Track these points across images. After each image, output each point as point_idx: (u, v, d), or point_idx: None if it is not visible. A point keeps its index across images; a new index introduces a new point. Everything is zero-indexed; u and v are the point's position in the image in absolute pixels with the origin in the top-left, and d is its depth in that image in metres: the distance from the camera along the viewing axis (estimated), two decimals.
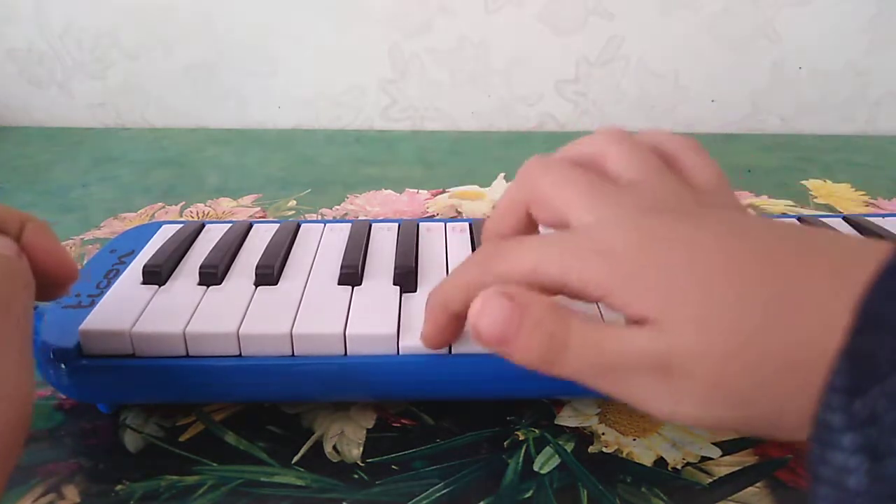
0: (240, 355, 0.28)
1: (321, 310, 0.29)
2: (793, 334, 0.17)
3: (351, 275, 0.31)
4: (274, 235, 0.35)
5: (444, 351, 0.28)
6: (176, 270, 0.33)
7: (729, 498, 0.27)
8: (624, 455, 0.29)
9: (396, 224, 0.37)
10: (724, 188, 0.25)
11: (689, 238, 0.19)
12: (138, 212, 0.53)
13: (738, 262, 0.18)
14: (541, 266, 0.21)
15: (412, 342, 0.28)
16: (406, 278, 0.31)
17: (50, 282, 0.24)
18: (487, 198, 0.55)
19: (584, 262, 0.20)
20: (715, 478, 0.28)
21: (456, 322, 0.26)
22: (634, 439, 0.29)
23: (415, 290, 0.31)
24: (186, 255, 0.34)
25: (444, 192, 0.57)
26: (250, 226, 0.37)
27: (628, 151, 0.25)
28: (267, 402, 0.32)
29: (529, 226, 0.26)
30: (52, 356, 0.28)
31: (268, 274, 0.31)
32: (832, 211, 0.53)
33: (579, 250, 0.21)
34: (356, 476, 0.28)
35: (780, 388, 0.17)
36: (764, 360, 0.17)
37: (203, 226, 0.37)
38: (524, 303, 0.21)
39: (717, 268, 0.18)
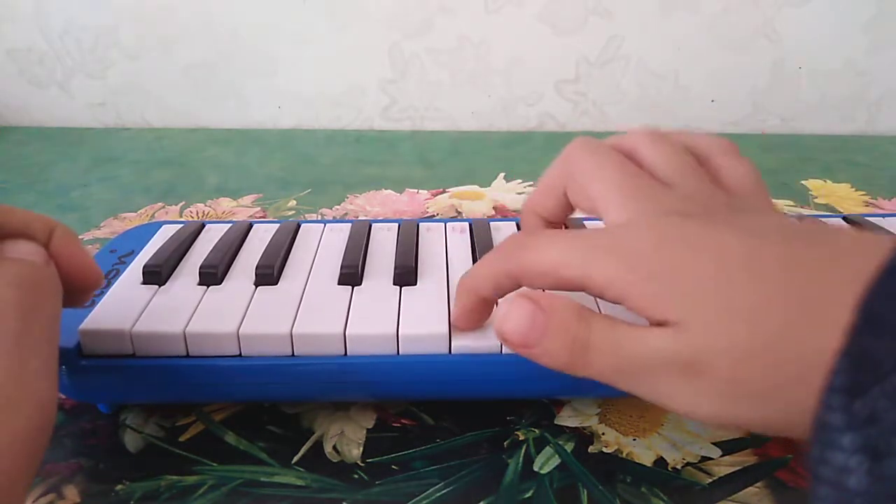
0: (240, 355, 0.28)
1: (321, 310, 0.29)
2: (812, 337, 0.17)
3: (351, 275, 0.31)
4: (274, 235, 0.35)
5: (444, 351, 0.28)
6: (176, 270, 0.33)
7: (729, 498, 0.27)
8: (624, 455, 0.29)
9: (396, 224, 0.37)
10: (759, 191, 0.24)
11: (717, 243, 0.19)
12: (138, 212, 0.53)
13: (763, 267, 0.18)
14: (564, 263, 0.21)
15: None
16: (406, 278, 0.31)
17: (76, 288, 0.25)
18: (487, 198, 0.55)
19: (604, 264, 0.21)
20: (715, 478, 0.28)
21: (484, 306, 0.27)
22: (634, 439, 0.29)
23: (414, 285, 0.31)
24: (186, 255, 0.34)
25: (444, 192, 0.57)
26: (250, 226, 0.37)
27: (665, 151, 0.25)
28: (267, 402, 0.32)
29: (567, 206, 0.27)
30: None
31: (268, 274, 0.31)
32: (832, 211, 0.53)
33: (603, 250, 0.21)
34: (356, 476, 0.28)
35: (798, 389, 0.17)
36: (784, 361, 0.17)
37: (203, 226, 0.37)
38: (548, 307, 0.21)
39: (741, 272, 0.18)
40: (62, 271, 0.24)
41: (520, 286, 0.24)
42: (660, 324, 0.19)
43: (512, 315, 0.22)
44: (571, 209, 0.27)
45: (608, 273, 0.20)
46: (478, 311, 0.27)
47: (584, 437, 0.30)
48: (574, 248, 0.22)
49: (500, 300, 0.25)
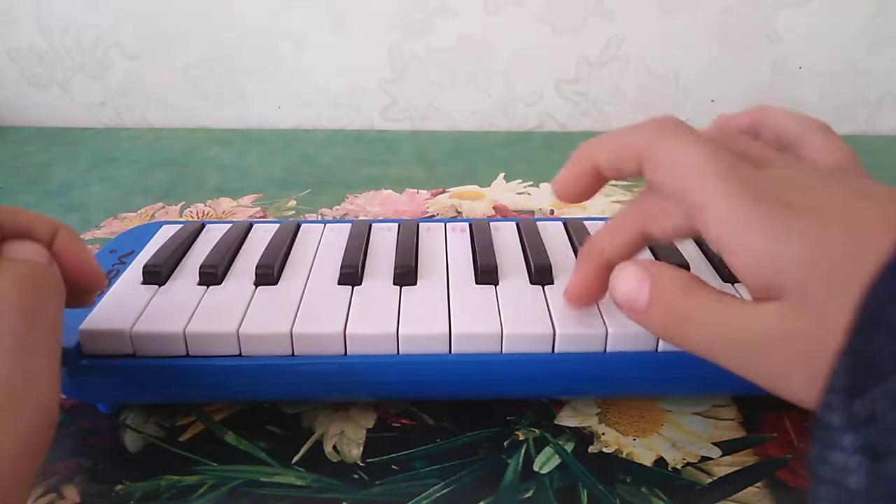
0: (240, 355, 0.28)
1: (321, 309, 0.29)
2: None
3: (351, 275, 0.31)
4: (274, 235, 0.35)
5: (445, 351, 0.28)
6: (176, 270, 0.33)
7: (729, 498, 0.27)
8: (624, 455, 0.29)
9: (396, 224, 0.37)
10: (856, 168, 0.23)
11: (841, 214, 0.18)
12: (138, 212, 0.53)
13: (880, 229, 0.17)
14: (701, 174, 0.20)
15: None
16: (406, 278, 0.31)
17: (78, 288, 0.25)
18: (487, 198, 0.55)
19: (735, 202, 0.19)
20: (715, 478, 0.28)
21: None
22: (634, 439, 0.29)
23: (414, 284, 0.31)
24: (186, 255, 0.34)
25: (444, 192, 0.57)
26: (250, 226, 0.37)
27: (747, 147, 0.23)
28: (267, 402, 0.32)
29: (635, 171, 0.24)
30: None
31: (268, 274, 0.31)
32: None
33: (738, 184, 0.19)
34: (356, 476, 0.28)
35: None
36: None
37: (203, 226, 0.37)
38: (655, 274, 0.21)
39: (873, 242, 0.17)
40: (65, 272, 0.24)
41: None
42: (768, 297, 0.18)
43: (621, 277, 0.22)
44: (638, 174, 0.24)
45: (732, 213, 0.19)
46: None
47: (584, 437, 0.30)
48: (719, 167, 0.20)
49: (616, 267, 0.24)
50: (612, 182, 0.26)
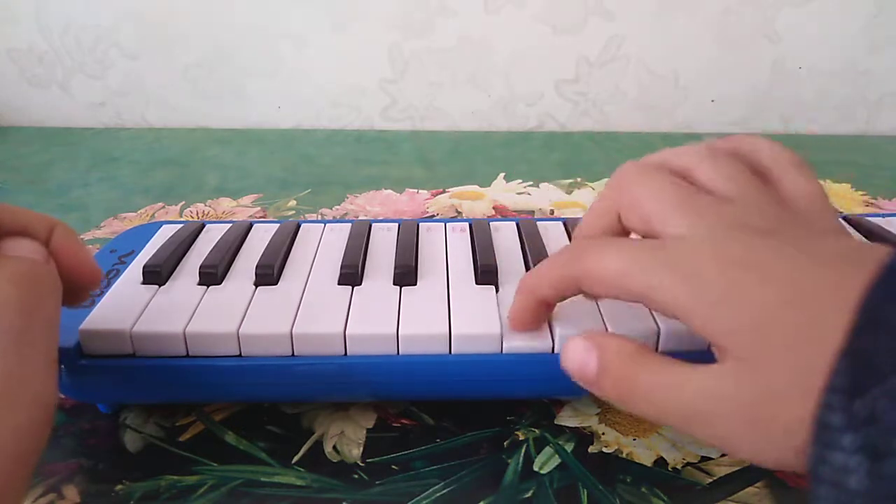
0: (240, 355, 0.28)
1: (321, 310, 0.29)
2: None
3: (351, 275, 0.31)
4: (274, 235, 0.35)
5: (444, 351, 0.28)
6: (176, 270, 0.33)
7: (729, 498, 0.27)
8: (624, 455, 0.29)
9: (396, 224, 0.37)
10: (825, 211, 0.23)
11: (786, 272, 0.18)
12: (138, 212, 0.53)
13: (846, 301, 0.16)
14: (626, 275, 0.21)
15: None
16: (406, 278, 0.31)
17: (75, 286, 0.25)
18: (487, 198, 0.55)
19: (670, 282, 0.20)
20: (715, 478, 0.28)
21: (542, 307, 0.27)
22: (634, 439, 0.29)
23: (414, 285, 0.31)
24: (186, 255, 0.34)
25: (444, 192, 0.57)
26: (250, 226, 0.37)
27: (721, 165, 0.23)
28: (267, 402, 0.32)
29: (621, 232, 0.26)
30: None
31: (268, 274, 0.31)
32: None
33: (666, 267, 0.20)
34: (356, 476, 0.28)
35: None
36: None
37: (203, 226, 0.37)
38: (600, 345, 0.22)
39: (816, 305, 0.17)
40: (62, 269, 0.24)
41: (580, 291, 0.24)
42: (719, 350, 0.19)
43: (570, 349, 0.22)
44: (625, 233, 0.26)
45: (670, 293, 0.20)
46: (535, 312, 0.27)
47: (584, 437, 0.30)
48: (638, 261, 0.21)
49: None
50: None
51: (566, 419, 0.31)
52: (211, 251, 0.33)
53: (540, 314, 0.27)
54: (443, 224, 0.38)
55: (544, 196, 0.56)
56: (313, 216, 0.52)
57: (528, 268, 0.33)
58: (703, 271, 0.19)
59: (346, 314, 0.29)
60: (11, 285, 0.21)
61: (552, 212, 0.53)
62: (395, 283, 0.31)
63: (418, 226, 0.37)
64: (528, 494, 0.27)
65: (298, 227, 0.37)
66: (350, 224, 0.37)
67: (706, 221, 0.22)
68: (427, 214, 0.52)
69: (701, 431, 0.19)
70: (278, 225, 0.37)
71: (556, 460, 0.28)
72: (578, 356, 0.22)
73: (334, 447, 0.29)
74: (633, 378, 0.21)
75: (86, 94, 0.77)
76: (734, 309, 0.18)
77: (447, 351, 0.28)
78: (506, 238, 0.36)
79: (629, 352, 0.21)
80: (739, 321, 0.18)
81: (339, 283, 0.31)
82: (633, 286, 0.21)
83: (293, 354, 0.28)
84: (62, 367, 0.28)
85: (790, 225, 0.22)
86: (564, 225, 0.37)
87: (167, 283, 0.32)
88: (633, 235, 0.26)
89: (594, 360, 0.22)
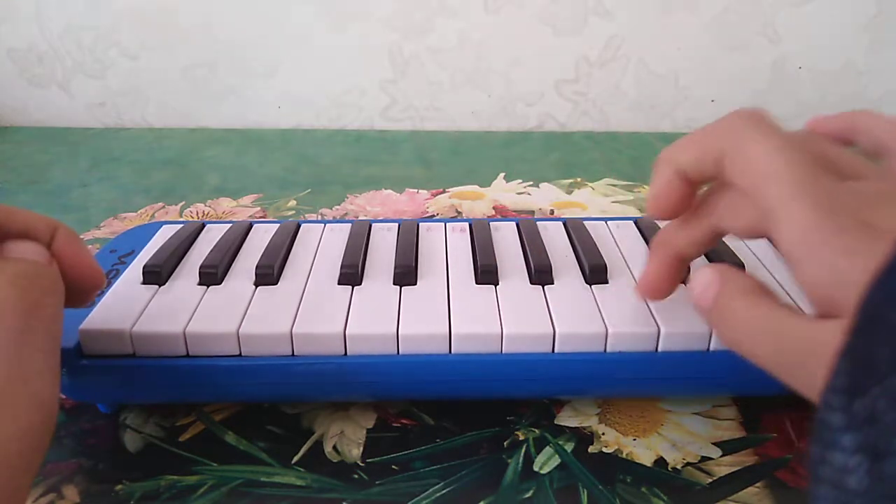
0: (240, 355, 0.28)
1: (321, 310, 0.29)
2: None
3: (351, 275, 0.31)
4: (274, 235, 0.35)
5: (445, 351, 0.28)
6: (176, 270, 0.33)
7: (729, 498, 0.27)
8: (624, 455, 0.29)
9: (396, 224, 0.37)
10: None
11: None
12: (138, 212, 0.53)
13: None
14: (776, 176, 0.20)
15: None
16: (406, 278, 0.31)
17: (78, 288, 0.25)
18: (487, 198, 0.55)
19: (807, 211, 0.18)
20: (715, 478, 0.28)
21: (678, 266, 0.26)
22: (634, 439, 0.29)
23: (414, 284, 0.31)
24: (186, 255, 0.34)
25: (444, 192, 0.57)
26: (250, 226, 0.37)
27: (840, 152, 0.22)
28: (267, 402, 0.32)
29: (716, 172, 0.23)
30: None
31: (268, 274, 0.31)
32: None
33: (814, 197, 0.19)
34: (356, 476, 0.28)
35: None
36: None
37: (203, 226, 0.37)
38: (723, 278, 0.22)
39: None
40: (64, 271, 0.24)
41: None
42: (829, 314, 0.18)
43: (695, 276, 0.23)
44: (718, 175, 0.23)
45: (802, 222, 0.18)
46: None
47: (584, 437, 0.30)
48: (798, 168, 0.19)
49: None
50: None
51: (566, 419, 0.31)
52: (211, 251, 0.33)
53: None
54: (443, 224, 0.38)
55: (544, 196, 0.56)
56: (313, 216, 0.52)
57: (528, 267, 0.33)
58: (846, 219, 0.18)
59: (346, 314, 0.29)
60: (12, 286, 0.21)
61: (552, 212, 0.53)
62: (395, 283, 0.31)
63: (418, 226, 0.37)
64: (528, 494, 0.27)
65: (298, 227, 0.37)
66: (350, 224, 0.37)
67: (827, 202, 0.19)
68: (427, 214, 0.52)
69: (795, 377, 0.19)
70: (278, 225, 0.37)
71: (556, 460, 0.28)
72: (701, 282, 0.22)
73: (334, 447, 0.29)
74: (745, 317, 0.21)
75: (86, 94, 0.77)
76: (861, 266, 0.17)
77: (447, 351, 0.28)
78: (506, 238, 0.36)
79: (746, 288, 0.21)
80: (864, 279, 0.16)
81: (339, 283, 0.31)
82: (777, 195, 0.19)
83: (293, 354, 0.28)
84: (62, 367, 0.28)
85: None
86: (564, 225, 0.37)
87: (167, 283, 0.32)
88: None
89: (713, 291, 0.22)
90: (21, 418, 0.19)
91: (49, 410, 0.20)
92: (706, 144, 0.23)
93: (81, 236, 0.48)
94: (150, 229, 0.37)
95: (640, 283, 0.27)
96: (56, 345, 0.21)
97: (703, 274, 0.23)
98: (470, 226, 0.37)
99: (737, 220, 0.23)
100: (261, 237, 0.36)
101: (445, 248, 0.35)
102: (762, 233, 0.22)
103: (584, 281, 0.32)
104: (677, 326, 0.28)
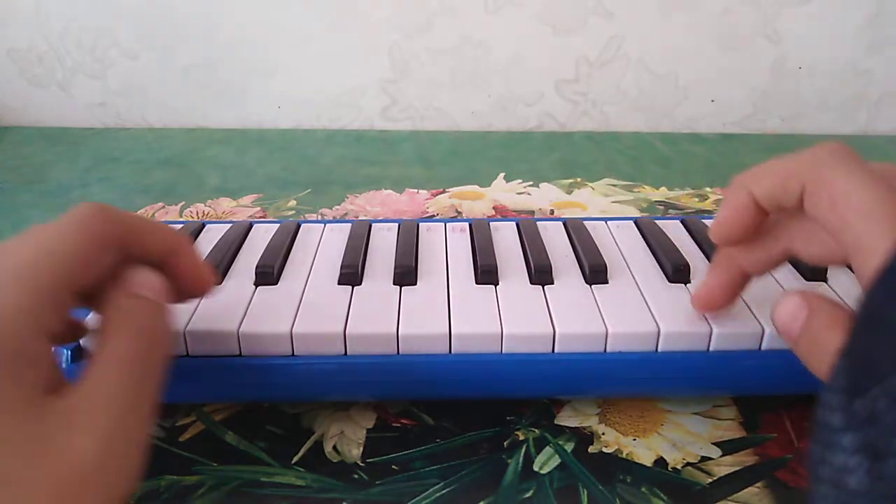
0: (240, 355, 0.28)
1: (321, 309, 0.29)
2: None
3: (351, 275, 0.31)
4: (274, 235, 0.35)
5: (445, 351, 0.28)
6: None
7: (729, 498, 0.27)
8: (624, 455, 0.29)
9: (396, 224, 0.37)
10: None
11: None
12: (138, 212, 0.53)
13: None
14: (866, 212, 0.19)
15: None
16: (406, 278, 0.31)
17: (188, 296, 0.25)
18: (487, 198, 0.55)
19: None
20: (715, 478, 0.28)
21: (740, 282, 0.26)
22: (634, 439, 0.29)
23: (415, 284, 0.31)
24: None
25: (444, 192, 0.57)
26: (250, 226, 0.37)
27: None
28: (267, 402, 0.32)
29: (793, 202, 0.22)
30: None
31: (268, 274, 0.31)
32: None
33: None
34: (356, 476, 0.28)
35: None
36: None
37: (203, 226, 0.37)
38: (812, 307, 0.21)
39: None
40: (179, 287, 0.24)
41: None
42: None
43: (783, 303, 0.22)
44: (795, 207, 0.23)
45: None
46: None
47: (584, 437, 0.30)
48: (888, 205, 0.19)
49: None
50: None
51: (566, 419, 0.31)
52: (211, 251, 0.33)
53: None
54: (443, 224, 0.38)
55: (544, 196, 0.56)
56: (313, 216, 0.52)
57: (528, 267, 0.33)
58: None
59: (346, 314, 0.29)
60: (130, 340, 0.20)
61: (552, 212, 0.53)
62: (395, 283, 0.31)
63: (418, 226, 0.37)
64: (528, 494, 0.27)
65: (298, 227, 0.37)
66: (350, 224, 0.37)
67: None
68: (427, 214, 0.52)
69: None
70: (278, 225, 0.37)
71: (556, 460, 0.28)
72: (789, 310, 0.22)
73: (334, 447, 0.29)
74: (828, 346, 0.20)
75: (86, 94, 0.77)
76: None
77: (447, 351, 0.28)
78: (506, 238, 0.36)
79: (835, 316, 0.21)
80: None
81: (339, 283, 0.31)
82: (867, 232, 0.19)
83: (293, 354, 0.28)
84: (63, 367, 0.28)
85: None
86: (564, 225, 0.37)
87: None
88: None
89: (801, 320, 0.21)
90: (113, 493, 0.18)
91: (136, 480, 0.19)
92: (786, 175, 0.22)
93: None
94: None
95: (700, 295, 0.27)
96: (156, 402, 0.21)
97: (790, 301, 0.22)
98: (470, 226, 0.37)
99: (811, 246, 0.23)
100: (261, 237, 0.36)
101: (445, 248, 0.35)
102: (839, 262, 0.23)
103: (584, 281, 0.32)
104: (677, 326, 0.28)
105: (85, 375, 0.19)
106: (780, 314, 0.22)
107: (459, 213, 0.53)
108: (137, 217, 0.24)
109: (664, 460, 0.28)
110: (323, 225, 0.38)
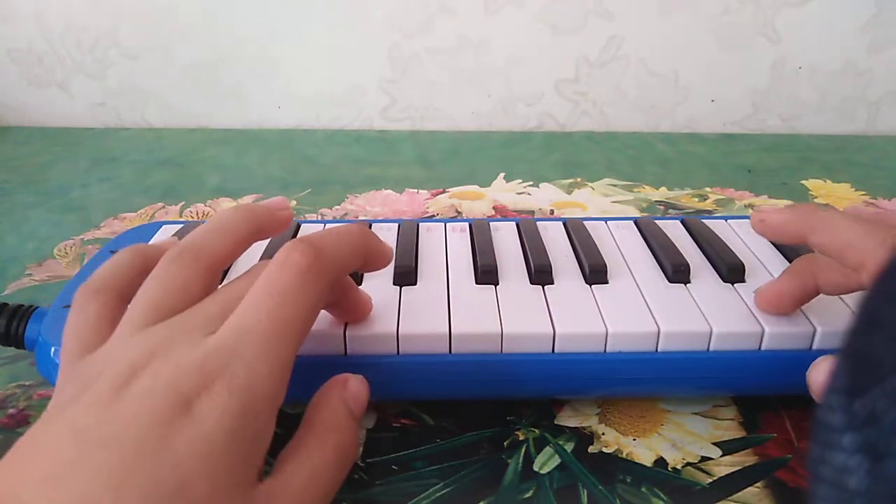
0: None
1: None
2: None
3: (351, 275, 0.31)
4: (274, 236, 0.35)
5: (445, 351, 0.28)
6: None
7: (729, 498, 0.27)
8: (624, 455, 0.29)
9: (396, 224, 0.37)
10: None
11: None
12: (138, 212, 0.53)
13: None
14: (852, 248, 0.23)
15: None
16: (406, 278, 0.31)
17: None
18: (487, 198, 0.55)
19: None
20: (715, 478, 0.28)
21: (809, 295, 0.27)
22: (634, 439, 0.29)
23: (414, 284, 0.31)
24: None
25: (444, 192, 0.57)
26: None
27: None
28: None
29: (798, 241, 0.26)
30: (52, 356, 0.28)
31: None
32: None
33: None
34: (356, 476, 0.28)
35: None
36: None
37: None
38: None
39: None
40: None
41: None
42: None
43: (820, 366, 0.23)
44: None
45: None
46: (799, 295, 0.27)
47: (584, 437, 0.30)
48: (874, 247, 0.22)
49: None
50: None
51: (566, 419, 0.31)
52: None
53: (803, 299, 0.27)
54: (443, 224, 0.38)
55: (544, 196, 0.56)
56: (313, 216, 0.52)
57: (528, 267, 0.33)
58: None
59: None
60: (325, 452, 0.21)
61: (552, 212, 0.53)
62: (395, 283, 0.31)
63: (418, 226, 0.37)
64: (528, 494, 0.27)
65: (298, 227, 0.37)
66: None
67: None
68: (427, 214, 0.52)
69: None
70: None
71: (556, 460, 0.28)
72: (825, 371, 0.23)
73: None
74: None
75: (86, 94, 0.77)
76: None
77: (447, 350, 0.28)
78: (506, 238, 0.36)
79: None
80: None
81: None
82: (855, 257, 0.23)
83: None
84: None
85: None
86: (564, 225, 0.37)
87: None
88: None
89: None
90: None
91: None
92: (807, 216, 0.25)
93: (81, 236, 0.49)
94: (149, 229, 0.37)
95: (767, 297, 0.28)
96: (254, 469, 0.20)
97: (827, 366, 0.23)
98: (470, 226, 0.37)
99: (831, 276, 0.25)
100: None
101: (445, 249, 0.35)
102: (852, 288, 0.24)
103: (584, 281, 0.32)
104: (677, 326, 0.28)
105: (277, 469, 0.21)
106: (817, 377, 0.23)
107: (459, 213, 0.53)
108: (341, 263, 0.24)
109: (664, 460, 0.28)
110: (323, 225, 0.38)
